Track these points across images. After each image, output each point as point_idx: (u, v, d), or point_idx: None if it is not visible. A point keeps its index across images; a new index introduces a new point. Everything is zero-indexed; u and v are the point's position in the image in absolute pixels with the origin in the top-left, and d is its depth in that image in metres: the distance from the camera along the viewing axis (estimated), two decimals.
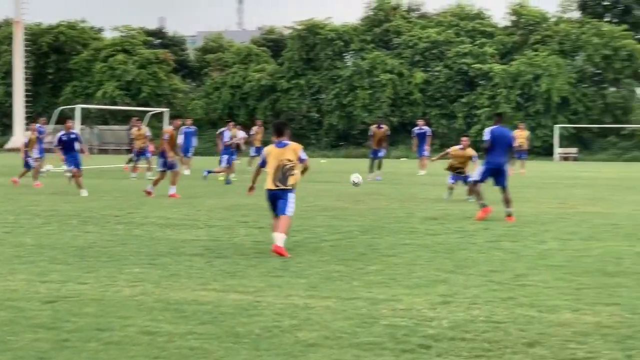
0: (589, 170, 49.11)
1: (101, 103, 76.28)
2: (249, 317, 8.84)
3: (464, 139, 24.31)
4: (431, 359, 7.35)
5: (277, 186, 13.88)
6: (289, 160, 13.98)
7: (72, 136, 26.63)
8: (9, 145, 75.61)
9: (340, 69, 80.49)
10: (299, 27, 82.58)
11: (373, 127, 35.85)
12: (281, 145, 14.21)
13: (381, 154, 35.29)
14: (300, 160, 14.12)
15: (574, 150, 72.49)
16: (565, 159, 70.85)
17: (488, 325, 8.49)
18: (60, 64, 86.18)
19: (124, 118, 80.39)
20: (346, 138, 79.31)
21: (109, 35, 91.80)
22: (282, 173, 13.92)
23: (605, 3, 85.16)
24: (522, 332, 8.23)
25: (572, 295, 10.09)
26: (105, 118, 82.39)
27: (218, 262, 12.50)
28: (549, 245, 14.68)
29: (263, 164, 14.42)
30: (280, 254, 13.17)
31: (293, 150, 14.15)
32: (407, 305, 9.43)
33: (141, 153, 35.88)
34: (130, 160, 39.16)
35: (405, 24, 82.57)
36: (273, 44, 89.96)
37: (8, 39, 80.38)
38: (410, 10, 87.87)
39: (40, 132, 32.84)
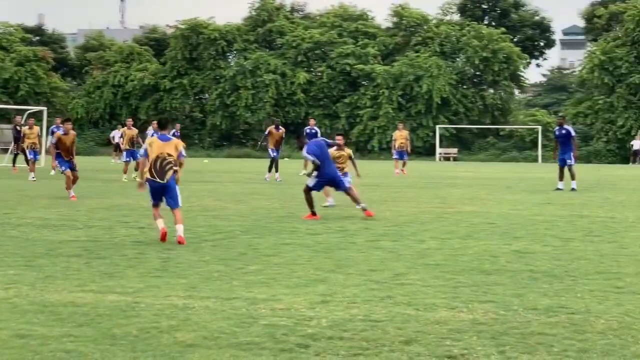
0: (469, 170, 50.04)
1: None
2: (127, 318, 8.74)
3: (339, 137, 22.85)
4: (309, 358, 7.37)
5: (154, 177, 14.66)
6: (169, 155, 14.75)
7: None
8: None
9: (224, 69, 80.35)
10: (182, 27, 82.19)
11: (271, 128, 35.39)
12: (164, 138, 14.96)
13: (277, 154, 34.91)
14: (179, 156, 14.98)
15: (454, 150, 73.80)
16: (447, 159, 72.08)
17: (366, 324, 8.56)
18: None
19: (1, 117, 78.76)
20: (229, 138, 79.22)
21: None
22: (161, 166, 14.66)
23: (484, 6, 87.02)
24: (399, 330, 8.32)
25: (449, 293, 10.25)
26: None
27: (96, 263, 12.32)
28: (428, 244, 14.87)
29: (145, 153, 14.98)
30: (183, 243, 14.30)
31: (175, 145, 14.93)
32: (286, 305, 9.45)
33: (34, 152, 34.99)
34: (14, 160, 38.55)
35: (288, 25, 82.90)
36: (156, 43, 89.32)
37: None
38: (293, 10, 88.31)
39: None
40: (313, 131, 39.28)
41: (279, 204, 22.82)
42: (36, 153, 34.95)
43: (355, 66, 77.20)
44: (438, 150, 72.90)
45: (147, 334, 8.11)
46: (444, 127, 74.35)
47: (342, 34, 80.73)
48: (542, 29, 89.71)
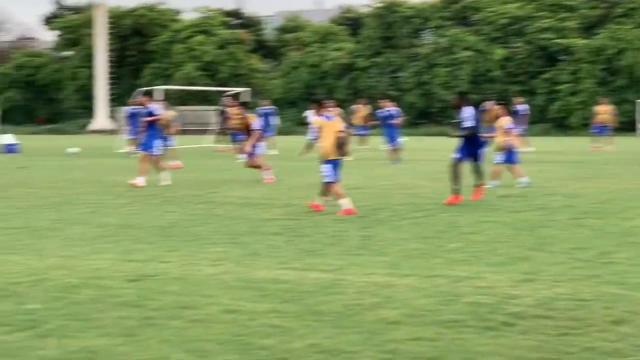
0: None
1: (180, 84, 76.91)
2: (330, 295, 8.84)
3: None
4: (515, 337, 7.27)
5: (338, 156, 15.85)
6: (342, 132, 15.89)
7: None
8: (91, 127, 76.66)
9: (419, 46, 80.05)
10: (378, 6, 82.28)
11: (488, 103, 34.10)
12: (330, 117, 16.18)
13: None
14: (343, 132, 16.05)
15: None
16: None
17: (573, 303, 8.37)
18: (141, 46, 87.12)
19: (203, 99, 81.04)
20: (426, 116, 78.90)
21: (187, 16, 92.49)
22: (340, 143, 15.83)
23: None
24: (607, 310, 8.10)
25: None
26: (184, 99, 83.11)
27: (298, 241, 12.53)
28: (635, 222, 14.41)
29: (316, 134, 16.21)
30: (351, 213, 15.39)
31: (340, 123, 16.17)
32: (489, 283, 9.35)
33: (236, 133, 35.43)
34: (219, 141, 39.72)
35: (484, 0, 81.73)
36: (351, 22, 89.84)
37: (91, 22, 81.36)
38: None
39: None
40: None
41: None
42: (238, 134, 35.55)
43: (554, 40, 75.44)
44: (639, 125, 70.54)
45: (351, 310, 8.18)
46: None
47: (540, 8, 78.99)
48: None
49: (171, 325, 7.67)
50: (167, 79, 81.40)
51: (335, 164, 15.94)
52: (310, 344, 7.06)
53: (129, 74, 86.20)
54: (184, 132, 76.08)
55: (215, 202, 17.95)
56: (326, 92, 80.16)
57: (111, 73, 78.72)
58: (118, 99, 63.23)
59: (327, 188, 16.01)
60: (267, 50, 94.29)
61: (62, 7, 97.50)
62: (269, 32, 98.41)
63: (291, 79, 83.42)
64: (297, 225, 14.19)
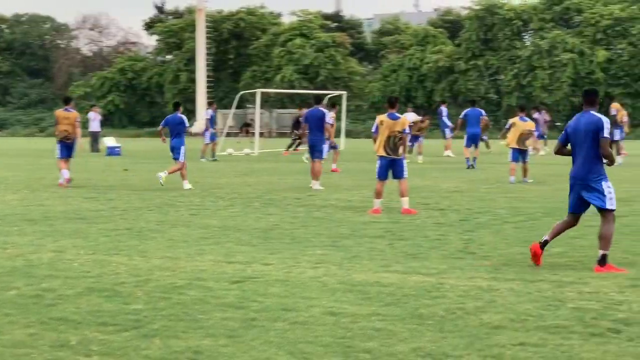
0: None
1: (279, 87, 77.43)
2: (433, 298, 8.81)
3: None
4: (622, 344, 7.14)
5: (388, 154, 16.34)
6: (399, 132, 16.28)
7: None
8: (192, 129, 77.67)
9: (519, 49, 79.19)
10: (477, 7, 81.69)
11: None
12: (393, 117, 16.40)
13: None
14: (404, 132, 16.37)
15: None
16: None
17: None
18: (240, 49, 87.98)
19: (302, 102, 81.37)
20: None
21: (287, 20, 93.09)
22: (393, 143, 16.28)
23: None
24: None
25: None
26: (283, 102, 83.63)
27: (399, 244, 12.50)
28: None
29: (376, 130, 16.41)
30: (410, 213, 16.11)
31: (402, 123, 16.44)
32: (594, 289, 9.21)
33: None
34: (290, 146, 39.84)
35: (586, 1, 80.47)
36: (450, 25, 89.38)
37: (191, 27, 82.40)
38: None
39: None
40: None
41: None
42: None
43: None
44: None
45: (453, 314, 8.13)
46: None
47: None
48: None
49: (274, 327, 7.72)
50: (266, 82, 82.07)
51: (385, 161, 16.53)
52: (413, 348, 7.04)
53: (228, 77, 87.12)
54: (282, 134, 76.83)
55: (315, 204, 18.02)
56: (425, 95, 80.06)
57: (210, 77, 79.57)
58: (218, 102, 63.92)
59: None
60: (365, 53, 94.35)
61: (162, 12, 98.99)
62: (367, 35, 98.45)
63: (390, 82, 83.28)
64: (398, 229, 14.16)
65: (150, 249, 12.18)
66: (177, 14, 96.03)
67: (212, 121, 36.50)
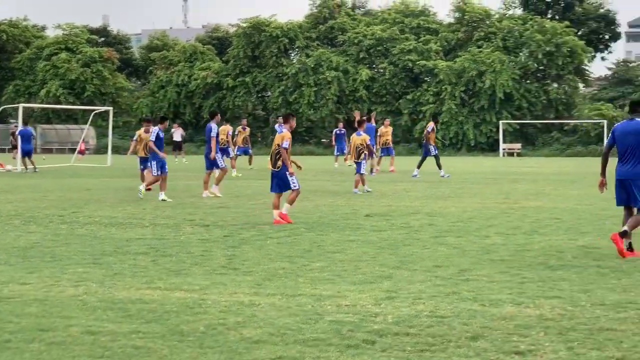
0: (533, 165, 49.66)
1: (45, 102, 75.54)
2: (194, 315, 8.82)
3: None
4: (376, 354, 7.36)
5: (272, 167, 17.58)
6: (277, 146, 17.52)
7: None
8: None
9: (286, 66, 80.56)
10: (244, 25, 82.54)
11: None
12: (280, 130, 18.22)
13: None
14: (279, 146, 17.52)
15: (518, 145, 73.21)
16: (510, 154, 71.53)
17: (432, 320, 8.54)
18: (2, 62, 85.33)
19: (67, 117, 79.75)
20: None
21: (51, 33, 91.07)
22: (274, 156, 17.56)
23: (548, 0, 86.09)
24: (465, 326, 8.29)
25: (515, 288, 10.18)
26: (49, 117, 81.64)
27: (163, 261, 12.44)
28: (493, 239, 14.79)
29: (286, 145, 17.60)
30: (282, 222, 17.12)
31: (281, 137, 17.65)
32: (352, 302, 9.46)
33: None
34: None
35: (350, 21, 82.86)
36: (218, 42, 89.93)
37: None
38: (354, 7, 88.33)
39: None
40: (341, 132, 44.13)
41: (343, 200, 22.84)
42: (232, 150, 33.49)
43: (418, 62, 76.91)
44: (502, 145, 72.37)
45: (214, 330, 8.17)
46: (507, 123, 73.73)
47: (404, 30, 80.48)
48: (607, 21, 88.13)
49: (29, 348, 7.51)
50: (29, 96, 79.92)
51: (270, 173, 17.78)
52: None
53: None
54: (48, 150, 74.93)
55: (78, 222, 17.66)
56: (193, 111, 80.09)
57: None
58: None
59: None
60: (133, 68, 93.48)
61: None
62: (135, 51, 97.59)
63: (158, 98, 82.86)
64: (162, 245, 14.08)
65: None
66: None
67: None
